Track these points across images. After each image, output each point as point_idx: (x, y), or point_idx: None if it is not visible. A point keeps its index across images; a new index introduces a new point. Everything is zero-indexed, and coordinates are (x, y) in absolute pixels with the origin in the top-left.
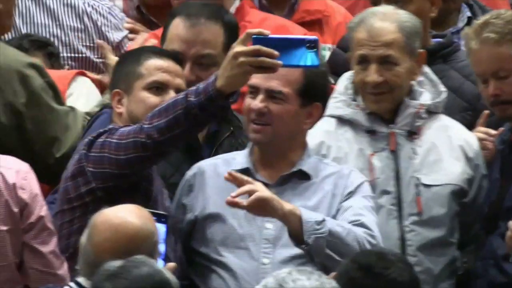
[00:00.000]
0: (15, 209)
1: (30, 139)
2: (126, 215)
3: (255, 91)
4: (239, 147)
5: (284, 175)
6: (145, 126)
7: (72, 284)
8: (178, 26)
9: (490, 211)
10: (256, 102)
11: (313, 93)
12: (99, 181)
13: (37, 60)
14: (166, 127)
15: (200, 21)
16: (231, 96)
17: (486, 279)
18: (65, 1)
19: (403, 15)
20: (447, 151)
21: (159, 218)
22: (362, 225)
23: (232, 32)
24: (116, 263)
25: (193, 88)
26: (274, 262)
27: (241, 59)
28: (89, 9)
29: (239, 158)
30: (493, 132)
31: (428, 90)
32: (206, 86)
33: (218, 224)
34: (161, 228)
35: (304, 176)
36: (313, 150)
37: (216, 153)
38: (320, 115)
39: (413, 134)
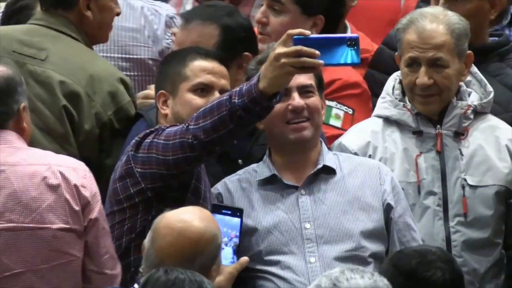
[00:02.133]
0: (77, 207)
1: (107, 151)
2: (189, 218)
3: (285, 93)
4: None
5: (311, 174)
6: (191, 127)
7: (136, 285)
8: (178, 29)
9: None
10: (298, 100)
11: (322, 83)
12: (148, 181)
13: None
14: (212, 128)
15: (190, 23)
16: (274, 97)
17: None
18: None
19: (453, 17)
20: (493, 151)
21: (235, 213)
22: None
23: (229, 32)
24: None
25: (237, 89)
26: (320, 259)
27: (283, 60)
28: (148, 13)
29: (261, 169)
30: None
31: (476, 91)
32: (249, 88)
33: (258, 236)
34: (237, 223)
35: (329, 171)
36: (360, 150)
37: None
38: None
39: (460, 135)
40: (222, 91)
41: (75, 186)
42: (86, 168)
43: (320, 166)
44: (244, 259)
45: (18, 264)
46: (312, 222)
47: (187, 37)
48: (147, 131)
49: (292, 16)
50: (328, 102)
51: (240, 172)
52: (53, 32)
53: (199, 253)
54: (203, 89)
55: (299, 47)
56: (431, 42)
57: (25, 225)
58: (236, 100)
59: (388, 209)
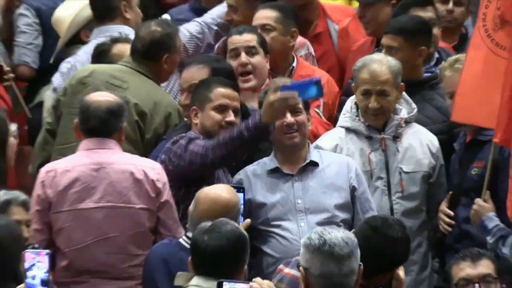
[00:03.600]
0: (153, 195)
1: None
2: (219, 191)
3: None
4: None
5: (302, 166)
6: (210, 155)
7: (184, 237)
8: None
9: (454, 191)
10: (290, 118)
11: (308, 106)
12: (173, 179)
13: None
14: (227, 154)
15: (192, 67)
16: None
17: (451, 236)
18: None
19: (392, 61)
20: (419, 149)
21: (239, 190)
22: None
23: (215, 72)
24: (209, 223)
25: (244, 127)
26: (307, 224)
27: (276, 104)
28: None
29: (268, 162)
30: (451, 214)
31: (404, 107)
32: (255, 123)
33: (266, 208)
34: (241, 196)
35: (314, 164)
36: (331, 150)
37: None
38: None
39: (396, 138)
40: (234, 110)
41: (152, 180)
42: (160, 167)
43: (308, 161)
44: (248, 220)
45: (114, 230)
46: (302, 199)
47: (190, 76)
48: (176, 138)
49: (260, 55)
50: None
51: (255, 163)
52: (134, 71)
53: (226, 215)
54: (221, 109)
55: (284, 95)
56: (378, 79)
57: (118, 204)
58: (245, 134)
59: (353, 189)
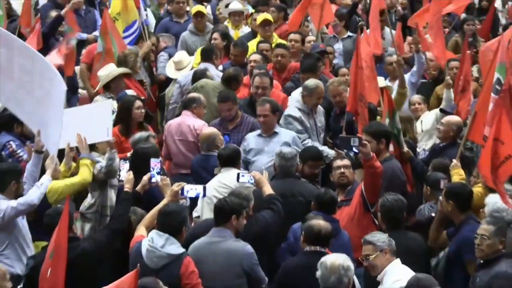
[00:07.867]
0: (195, 134)
1: None
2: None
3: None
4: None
5: None
6: None
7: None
8: None
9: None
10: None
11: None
12: None
13: None
14: None
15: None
16: None
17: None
18: None
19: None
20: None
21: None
22: None
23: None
24: (223, 146)
25: None
26: None
27: None
28: None
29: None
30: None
31: None
32: None
33: None
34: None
35: None
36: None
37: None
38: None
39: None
40: None
41: (195, 129)
42: (201, 123)
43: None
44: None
45: (184, 148)
46: None
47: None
48: None
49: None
50: None
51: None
52: (225, 87)
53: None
54: None
55: None
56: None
57: (184, 138)
58: None
59: None
